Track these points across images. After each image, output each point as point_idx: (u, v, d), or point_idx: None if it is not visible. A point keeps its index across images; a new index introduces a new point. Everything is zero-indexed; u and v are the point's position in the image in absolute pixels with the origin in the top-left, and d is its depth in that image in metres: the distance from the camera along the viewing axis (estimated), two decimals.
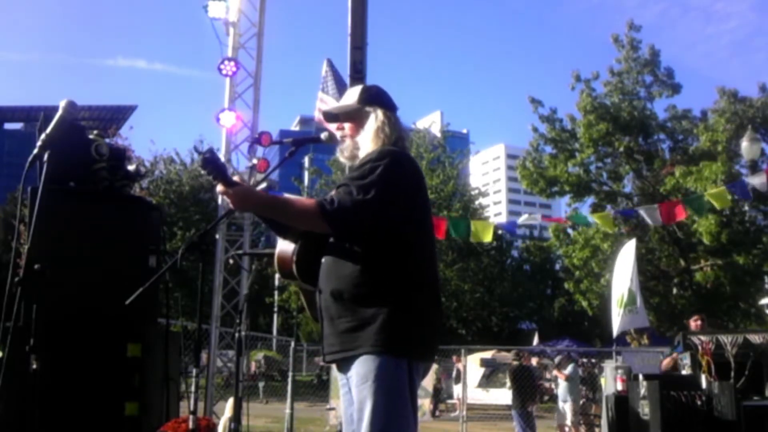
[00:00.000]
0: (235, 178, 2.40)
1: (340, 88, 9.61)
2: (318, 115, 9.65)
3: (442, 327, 2.51)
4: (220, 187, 2.36)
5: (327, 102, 9.57)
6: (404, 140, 2.60)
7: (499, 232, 12.24)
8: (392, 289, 2.31)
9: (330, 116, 2.71)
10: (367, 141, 2.53)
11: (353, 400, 2.33)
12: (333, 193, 2.38)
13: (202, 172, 2.37)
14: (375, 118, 2.54)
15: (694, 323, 7.36)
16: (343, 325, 2.32)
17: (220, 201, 9.58)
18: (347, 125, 2.61)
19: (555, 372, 12.74)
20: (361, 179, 2.34)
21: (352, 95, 2.65)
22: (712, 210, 15.44)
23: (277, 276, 28.98)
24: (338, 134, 2.65)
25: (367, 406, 2.24)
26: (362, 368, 2.27)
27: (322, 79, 9.78)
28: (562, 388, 12.47)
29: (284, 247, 2.51)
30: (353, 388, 2.31)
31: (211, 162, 2.33)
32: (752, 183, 9.62)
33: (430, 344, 2.43)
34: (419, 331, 2.34)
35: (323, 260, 2.42)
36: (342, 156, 2.64)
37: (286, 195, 4.20)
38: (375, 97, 2.61)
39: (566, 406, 12.24)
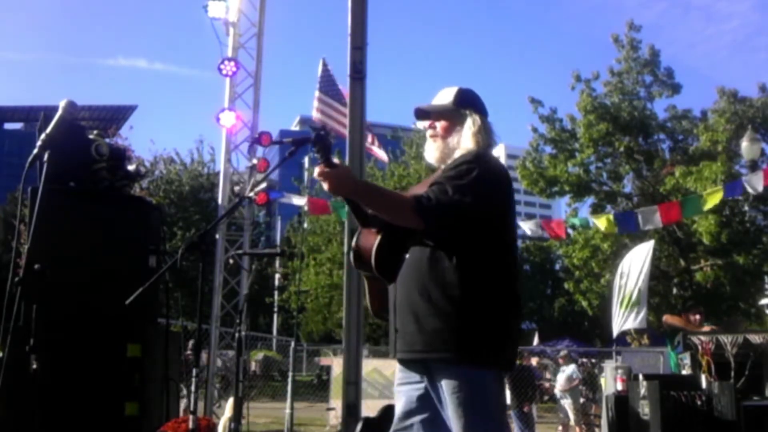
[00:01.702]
0: (336, 161, 2.36)
1: (335, 88, 9.63)
2: (316, 115, 9.67)
3: None
4: (318, 169, 2.32)
5: (326, 102, 9.59)
6: (492, 147, 2.58)
7: None
8: (484, 295, 2.30)
9: (421, 113, 2.64)
10: (462, 144, 2.51)
11: (420, 400, 2.37)
12: (427, 190, 2.35)
13: (312, 149, 2.33)
14: (472, 122, 2.53)
15: (692, 317, 7.35)
16: (432, 325, 2.28)
17: (220, 201, 9.59)
18: (439, 125, 2.58)
19: (560, 384, 12.72)
20: (458, 179, 2.32)
21: (447, 96, 2.61)
22: (711, 210, 15.45)
23: (277, 276, 28.98)
24: (428, 133, 2.62)
25: (465, 422, 2.23)
26: (459, 379, 2.26)
27: (319, 78, 9.80)
28: (560, 387, 12.50)
29: (364, 238, 2.48)
30: (447, 396, 2.28)
31: (322, 140, 2.32)
32: (750, 183, 9.61)
33: (514, 354, 2.46)
34: (508, 341, 2.36)
35: (409, 255, 2.39)
36: (430, 156, 2.61)
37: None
38: (471, 101, 2.60)
39: (567, 405, 12.27)
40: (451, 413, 2.27)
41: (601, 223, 11.37)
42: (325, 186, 2.33)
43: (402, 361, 2.45)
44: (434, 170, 2.69)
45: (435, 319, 2.28)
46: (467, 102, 2.58)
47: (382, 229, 2.42)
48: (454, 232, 2.31)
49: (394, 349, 2.41)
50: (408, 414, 2.43)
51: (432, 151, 2.59)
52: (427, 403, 2.38)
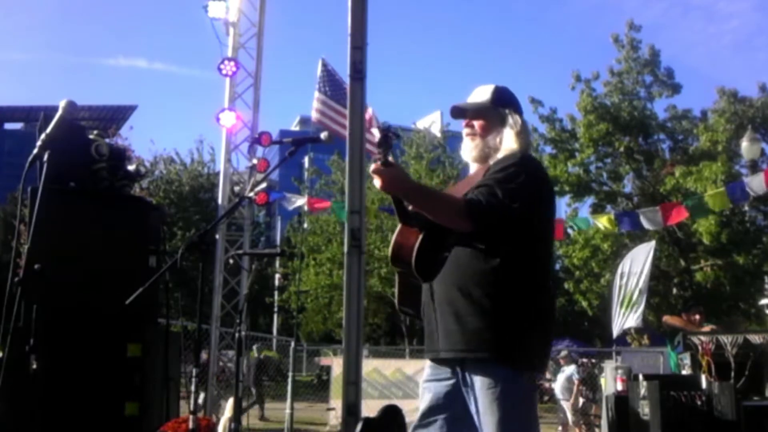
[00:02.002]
0: (390, 160, 2.36)
1: (337, 87, 9.61)
2: (315, 116, 9.66)
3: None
4: (374, 166, 2.32)
5: (325, 103, 9.57)
6: (531, 148, 2.64)
7: None
8: (524, 296, 2.32)
9: (457, 111, 2.62)
10: (504, 144, 2.50)
11: (448, 397, 2.39)
12: (476, 191, 2.35)
13: (377, 149, 2.34)
14: (514, 122, 2.52)
15: (692, 317, 7.36)
16: (472, 324, 2.29)
17: (220, 201, 9.59)
18: (477, 123, 2.56)
19: (560, 385, 12.69)
20: (507, 182, 2.32)
21: (484, 93, 2.58)
22: (711, 211, 15.45)
23: (277, 276, 29.01)
24: (464, 131, 2.60)
25: (498, 418, 2.24)
26: (494, 377, 2.27)
27: (318, 79, 9.77)
28: (559, 388, 12.50)
29: (404, 235, 2.48)
30: (480, 393, 2.29)
31: (388, 140, 2.34)
32: (751, 185, 9.60)
33: (548, 356, 2.53)
34: (543, 343, 2.41)
35: (452, 254, 2.39)
36: (467, 155, 2.60)
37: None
38: (509, 99, 2.58)
39: (566, 405, 12.28)
40: (483, 409, 2.28)
41: (602, 222, 11.38)
42: (377, 183, 2.32)
43: (436, 360, 2.46)
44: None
45: (475, 318, 2.29)
46: (506, 101, 2.57)
47: (424, 228, 2.42)
48: (500, 235, 2.32)
49: (433, 348, 2.42)
50: (433, 410, 2.43)
51: (469, 150, 2.58)
52: (454, 401, 2.39)
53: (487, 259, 2.32)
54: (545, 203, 2.46)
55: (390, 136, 2.34)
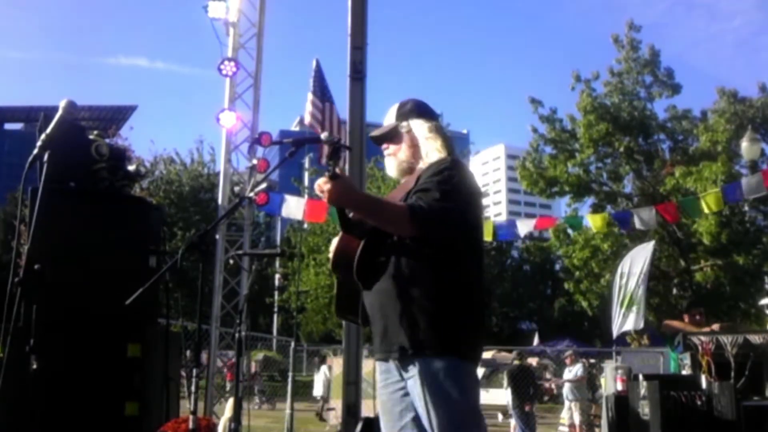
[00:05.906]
0: (337, 171, 2.38)
1: (323, 90, 9.59)
2: (308, 119, 9.64)
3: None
4: (321, 180, 2.35)
5: (317, 106, 9.55)
6: (452, 145, 2.68)
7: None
8: (458, 294, 2.39)
9: (375, 140, 2.77)
10: (422, 152, 2.61)
11: (406, 399, 2.42)
12: (416, 196, 2.41)
13: (328, 162, 2.35)
14: (419, 128, 2.63)
15: (693, 317, 7.34)
16: (406, 324, 2.35)
17: (220, 201, 9.58)
18: (392, 146, 2.69)
19: (569, 384, 12.70)
20: (444, 184, 2.40)
21: (390, 114, 2.71)
22: (704, 211, 15.45)
23: (277, 276, 28.97)
24: (385, 154, 2.73)
25: (434, 409, 2.30)
26: (428, 371, 2.32)
27: (311, 79, 9.75)
28: (567, 388, 12.50)
29: (345, 242, 2.49)
30: (416, 387, 2.34)
31: (338, 153, 2.36)
32: (748, 186, 9.59)
33: (482, 346, 2.58)
34: (478, 334, 2.48)
35: (392, 259, 2.44)
36: (391, 173, 2.75)
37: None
38: (410, 110, 2.68)
39: (573, 405, 12.29)
40: (424, 404, 2.32)
41: (594, 222, 11.40)
42: (325, 197, 2.34)
43: (381, 360, 2.53)
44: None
45: (412, 319, 2.35)
46: (406, 113, 2.67)
47: (364, 235, 2.44)
48: (441, 235, 2.39)
49: (376, 349, 2.49)
50: (402, 413, 2.45)
51: (390, 169, 2.73)
52: (411, 401, 2.42)
53: (426, 262, 2.39)
54: (475, 200, 2.56)
55: (340, 149, 2.37)
